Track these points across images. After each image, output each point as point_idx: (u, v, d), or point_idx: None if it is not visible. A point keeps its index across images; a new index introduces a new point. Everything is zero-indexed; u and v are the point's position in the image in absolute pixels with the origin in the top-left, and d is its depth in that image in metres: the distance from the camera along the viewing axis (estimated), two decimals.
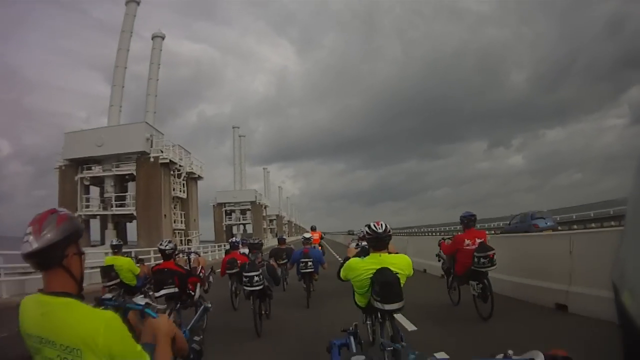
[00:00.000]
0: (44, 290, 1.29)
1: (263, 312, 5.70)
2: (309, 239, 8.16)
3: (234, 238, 8.25)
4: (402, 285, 2.94)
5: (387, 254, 3.04)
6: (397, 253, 3.28)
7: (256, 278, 5.29)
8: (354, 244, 6.31)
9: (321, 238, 13.29)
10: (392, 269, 2.91)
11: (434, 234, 35.05)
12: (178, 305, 4.86)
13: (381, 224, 3.03)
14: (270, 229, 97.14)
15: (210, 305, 4.12)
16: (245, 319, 5.65)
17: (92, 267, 10.30)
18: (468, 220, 5.64)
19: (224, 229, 65.93)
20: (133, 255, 8.24)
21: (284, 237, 10.62)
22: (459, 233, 5.81)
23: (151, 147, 24.93)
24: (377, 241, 3.03)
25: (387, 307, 2.89)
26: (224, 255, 7.99)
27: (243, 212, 66.75)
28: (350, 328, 2.93)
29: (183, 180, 28.55)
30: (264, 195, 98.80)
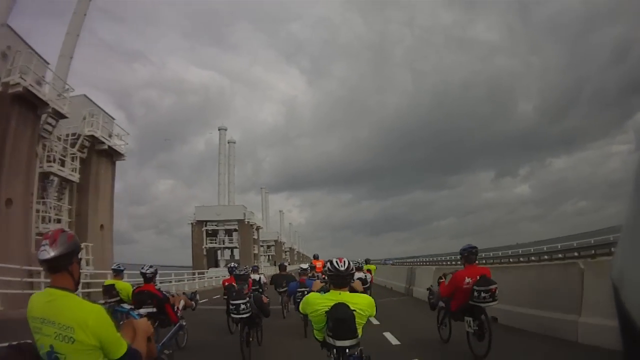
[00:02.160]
0: (50, 285, 1.81)
1: (251, 339, 5.65)
2: (305, 269, 8.14)
3: (232, 264, 8.64)
4: (360, 323, 2.84)
5: (347, 292, 2.94)
6: (363, 292, 3.31)
7: (242, 306, 5.27)
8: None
9: (324, 267, 8.87)
10: (349, 305, 2.80)
11: (429, 263, 36.08)
12: (157, 323, 5.09)
13: (344, 262, 2.94)
14: (269, 255, 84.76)
15: (185, 324, 5.01)
16: (239, 344, 5.39)
17: None
18: (469, 254, 5.06)
19: (205, 253, 53.28)
20: None
21: (286, 264, 10.76)
22: (460, 270, 5.23)
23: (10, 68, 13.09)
24: (338, 279, 2.93)
25: (339, 343, 2.82)
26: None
27: (229, 233, 54.04)
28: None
29: (80, 151, 16.71)
30: (263, 218, 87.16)
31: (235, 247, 54.93)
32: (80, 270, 1.93)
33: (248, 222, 52.79)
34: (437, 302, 5.67)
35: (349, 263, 2.93)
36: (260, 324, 6.04)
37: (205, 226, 52.07)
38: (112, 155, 18.69)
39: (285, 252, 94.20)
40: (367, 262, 13.32)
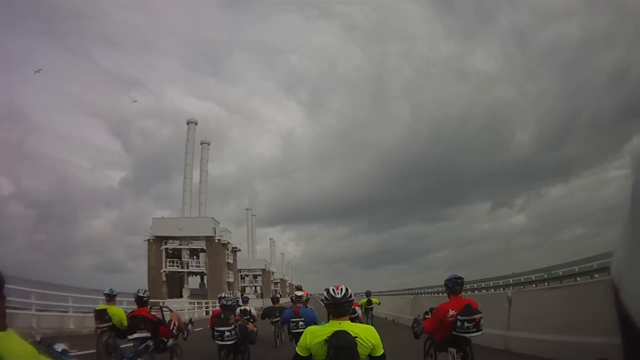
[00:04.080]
0: None
1: None
2: (300, 297, 7.76)
3: (222, 294, 8.03)
4: (363, 353, 2.63)
5: (348, 321, 2.75)
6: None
7: (227, 333, 5.32)
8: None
9: (306, 300, 11.08)
10: (350, 333, 2.63)
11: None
12: (151, 348, 5.21)
13: (341, 288, 2.78)
14: (256, 287, 73.83)
15: (180, 352, 5.82)
16: None
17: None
18: (454, 285, 4.69)
19: (164, 278, 42.67)
20: None
21: (278, 296, 11.91)
22: (444, 302, 4.98)
23: None
24: (336, 307, 2.76)
25: None
26: None
27: (195, 253, 43.68)
28: None
29: None
30: (249, 244, 76.82)
31: (205, 273, 44.38)
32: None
33: (219, 240, 42.36)
34: (420, 332, 5.49)
35: (346, 290, 2.77)
36: (247, 352, 6.02)
37: (166, 244, 41.77)
38: None
39: (276, 283, 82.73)
40: (368, 294, 13.10)
